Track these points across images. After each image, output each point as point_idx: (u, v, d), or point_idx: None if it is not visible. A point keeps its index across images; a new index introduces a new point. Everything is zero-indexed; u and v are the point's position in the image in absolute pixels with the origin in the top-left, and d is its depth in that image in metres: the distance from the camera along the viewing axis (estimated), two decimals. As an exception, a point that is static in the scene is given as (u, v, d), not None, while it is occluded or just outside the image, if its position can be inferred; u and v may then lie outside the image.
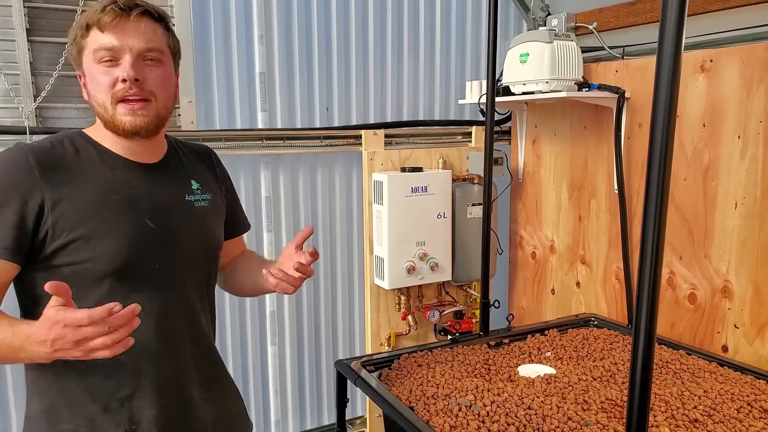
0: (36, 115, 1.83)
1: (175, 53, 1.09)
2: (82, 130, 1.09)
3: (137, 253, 1.02)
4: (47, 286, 0.82)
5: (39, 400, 1.04)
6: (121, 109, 1.00)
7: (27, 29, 1.78)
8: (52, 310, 0.83)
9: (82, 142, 1.05)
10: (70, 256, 0.98)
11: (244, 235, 1.37)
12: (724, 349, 1.72)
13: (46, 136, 1.75)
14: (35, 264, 0.98)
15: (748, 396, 1.34)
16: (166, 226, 1.06)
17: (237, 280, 1.32)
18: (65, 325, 0.81)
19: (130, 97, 0.99)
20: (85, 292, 0.99)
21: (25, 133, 1.76)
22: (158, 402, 1.06)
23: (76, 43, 1.01)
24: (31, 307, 1.02)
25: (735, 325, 1.69)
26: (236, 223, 1.31)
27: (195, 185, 1.15)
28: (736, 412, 1.28)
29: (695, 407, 1.29)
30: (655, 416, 1.26)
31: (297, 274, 1.08)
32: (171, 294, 1.08)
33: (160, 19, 1.04)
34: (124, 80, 0.98)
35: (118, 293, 1.00)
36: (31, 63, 1.80)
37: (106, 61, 0.99)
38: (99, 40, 0.98)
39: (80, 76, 1.06)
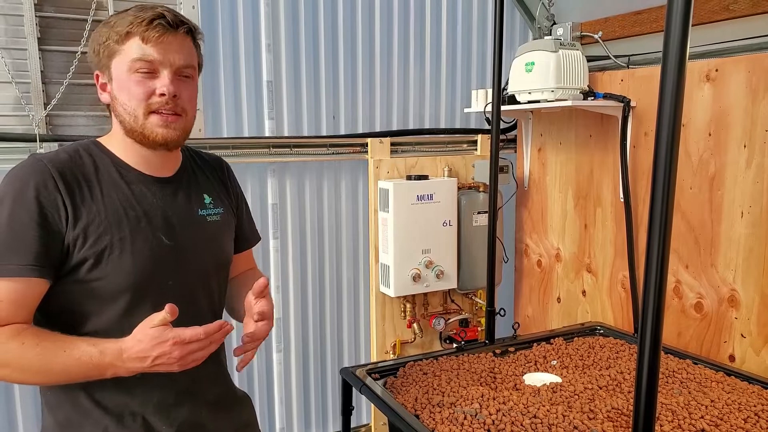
0: (46, 123, 1.86)
1: (201, 68, 1.11)
2: (96, 139, 1.08)
3: (152, 270, 1.02)
4: (167, 308, 0.89)
5: (54, 415, 1.04)
6: (154, 119, 1.00)
7: (38, 38, 1.81)
8: (158, 329, 0.90)
9: (99, 154, 1.04)
10: (88, 271, 0.97)
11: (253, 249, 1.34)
12: (731, 358, 1.71)
13: (56, 143, 1.81)
14: (57, 278, 0.98)
15: (755, 406, 1.33)
16: (179, 241, 1.06)
17: (232, 305, 1.27)
18: (175, 342, 0.90)
19: (164, 111, 1.00)
20: (101, 308, 1.00)
21: (36, 141, 1.79)
22: (171, 417, 1.06)
23: (107, 47, 1.00)
24: (41, 320, 1.00)
25: (742, 335, 1.68)
26: (243, 238, 1.28)
27: (207, 199, 1.15)
28: (743, 422, 1.27)
29: (702, 417, 1.28)
30: (661, 426, 1.25)
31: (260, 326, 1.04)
32: (183, 309, 1.06)
33: (194, 34, 1.06)
34: (162, 94, 0.99)
35: (134, 309, 1.00)
36: (42, 72, 1.83)
37: (144, 72, 0.98)
38: (140, 50, 0.98)
39: (98, 77, 1.04)
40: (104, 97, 1.05)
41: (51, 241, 0.94)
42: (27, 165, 0.98)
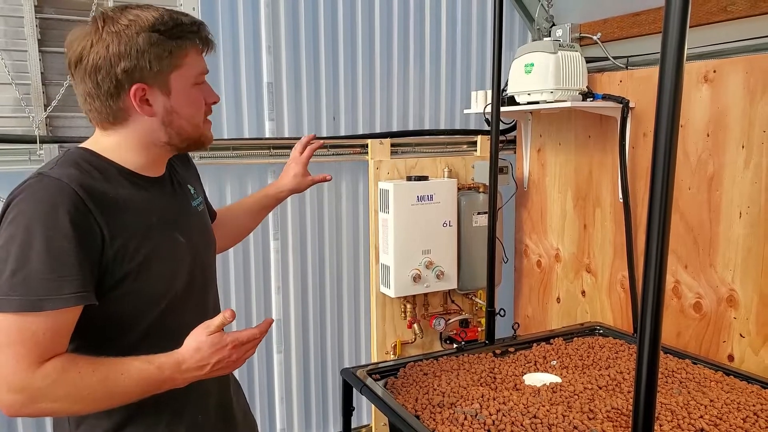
0: (46, 125, 1.86)
1: None
2: (83, 147, 1.00)
3: (180, 270, 1.03)
4: (229, 314, 0.91)
5: (88, 429, 1.01)
6: (207, 125, 1.06)
7: (38, 40, 1.81)
8: (216, 336, 0.91)
9: (100, 163, 0.98)
10: (132, 283, 0.95)
11: None
12: (730, 358, 1.72)
13: (56, 144, 1.81)
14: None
15: (754, 405, 1.34)
16: (189, 237, 1.07)
17: (233, 226, 1.38)
18: (234, 346, 0.92)
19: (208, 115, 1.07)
20: (137, 317, 0.98)
21: (36, 142, 1.79)
22: (206, 408, 1.09)
23: (169, 59, 0.95)
24: (77, 343, 0.96)
25: (741, 335, 1.69)
26: (210, 210, 1.33)
27: (192, 189, 1.16)
28: (742, 421, 1.28)
29: (701, 417, 1.29)
30: (661, 425, 1.26)
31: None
32: (201, 302, 1.10)
33: None
34: (214, 102, 1.05)
35: (168, 311, 1.00)
36: (42, 73, 1.83)
37: (202, 83, 1.03)
38: (202, 63, 1.02)
39: (143, 90, 0.95)
40: (146, 110, 0.97)
41: (90, 264, 0.90)
42: (48, 186, 0.89)
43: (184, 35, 0.97)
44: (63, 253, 0.87)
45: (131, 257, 0.94)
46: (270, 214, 2.20)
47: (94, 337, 0.96)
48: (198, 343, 0.91)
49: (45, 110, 1.84)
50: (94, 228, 0.90)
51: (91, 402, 0.90)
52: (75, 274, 0.88)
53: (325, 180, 1.41)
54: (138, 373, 0.90)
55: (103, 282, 0.93)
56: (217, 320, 0.91)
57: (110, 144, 1.00)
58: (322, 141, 1.43)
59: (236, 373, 1.29)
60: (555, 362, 1.64)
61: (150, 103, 0.97)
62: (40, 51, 1.82)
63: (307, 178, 1.39)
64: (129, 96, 0.95)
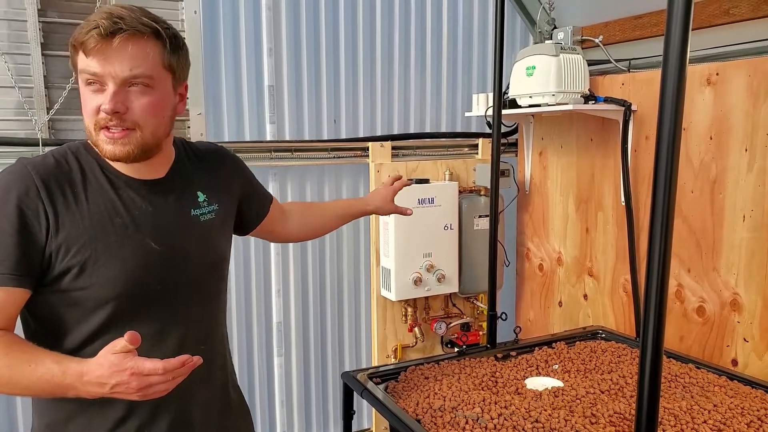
0: (49, 128, 1.87)
1: (175, 69, 1.01)
2: (88, 141, 1.03)
3: (140, 277, 0.99)
4: (127, 336, 0.83)
5: (40, 417, 1.04)
6: (102, 136, 0.95)
7: (41, 43, 1.82)
8: (118, 356, 0.84)
9: (86, 158, 1.01)
10: (72, 280, 0.95)
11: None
12: (734, 362, 1.71)
13: (57, 147, 1.82)
14: (38, 287, 0.96)
15: (758, 410, 1.33)
16: (170, 245, 1.03)
17: (318, 222, 1.47)
18: (133, 373, 0.84)
19: (111, 127, 0.95)
20: (87, 316, 0.98)
21: (38, 145, 1.79)
22: (156, 421, 1.04)
23: (71, 59, 0.98)
24: (34, 328, 1.00)
25: (744, 339, 1.68)
26: (261, 206, 1.34)
27: (201, 197, 1.11)
28: (746, 426, 1.27)
29: (705, 422, 1.28)
30: (664, 430, 1.25)
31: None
32: (175, 315, 1.05)
33: (154, 36, 0.96)
34: (104, 110, 0.93)
35: (121, 317, 0.98)
36: (44, 76, 1.84)
37: (93, 84, 0.94)
38: (85, 63, 0.93)
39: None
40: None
41: (31, 251, 0.92)
42: (12, 171, 0.96)
43: (74, 35, 0.94)
44: (2, 235, 0.91)
45: (76, 252, 0.94)
46: (271, 217, 2.22)
47: (50, 332, 0.98)
48: (103, 359, 0.86)
49: (47, 113, 1.85)
50: (41, 216, 0.93)
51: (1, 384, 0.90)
52: (8, 256, 0.91)
53: (405, 213, 1.56)
54: (44, 369, 0.87)
55: (48, 273, 0.95)
56: (121, 341, 0.85)
57: None
58: (411, 181, 1.63)
59: (237, 381, 1.25)
60: (557, 366, 1.63)
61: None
62: (42, 54, 1.83)
63: (393, 205, 1.54)
64: None
